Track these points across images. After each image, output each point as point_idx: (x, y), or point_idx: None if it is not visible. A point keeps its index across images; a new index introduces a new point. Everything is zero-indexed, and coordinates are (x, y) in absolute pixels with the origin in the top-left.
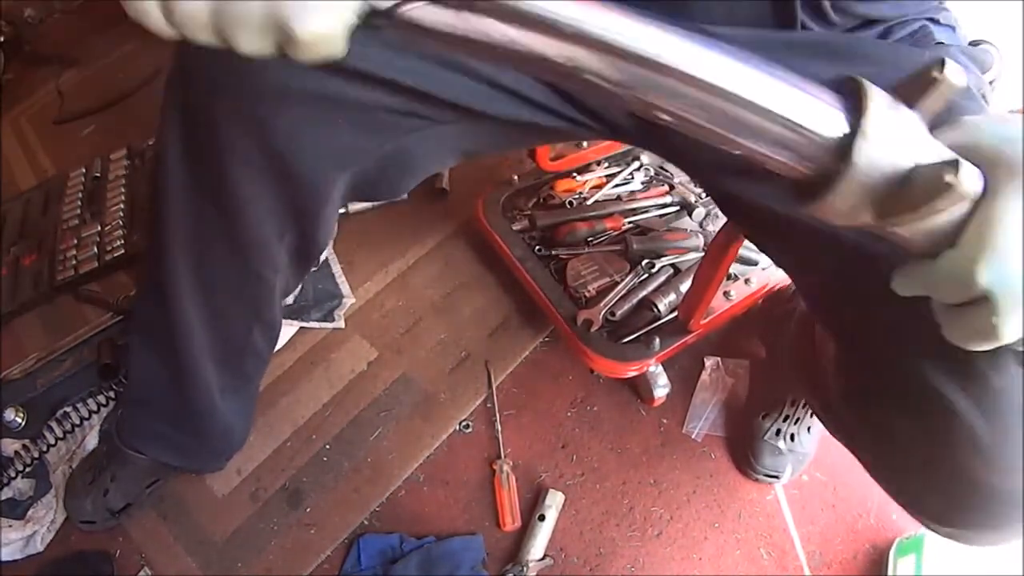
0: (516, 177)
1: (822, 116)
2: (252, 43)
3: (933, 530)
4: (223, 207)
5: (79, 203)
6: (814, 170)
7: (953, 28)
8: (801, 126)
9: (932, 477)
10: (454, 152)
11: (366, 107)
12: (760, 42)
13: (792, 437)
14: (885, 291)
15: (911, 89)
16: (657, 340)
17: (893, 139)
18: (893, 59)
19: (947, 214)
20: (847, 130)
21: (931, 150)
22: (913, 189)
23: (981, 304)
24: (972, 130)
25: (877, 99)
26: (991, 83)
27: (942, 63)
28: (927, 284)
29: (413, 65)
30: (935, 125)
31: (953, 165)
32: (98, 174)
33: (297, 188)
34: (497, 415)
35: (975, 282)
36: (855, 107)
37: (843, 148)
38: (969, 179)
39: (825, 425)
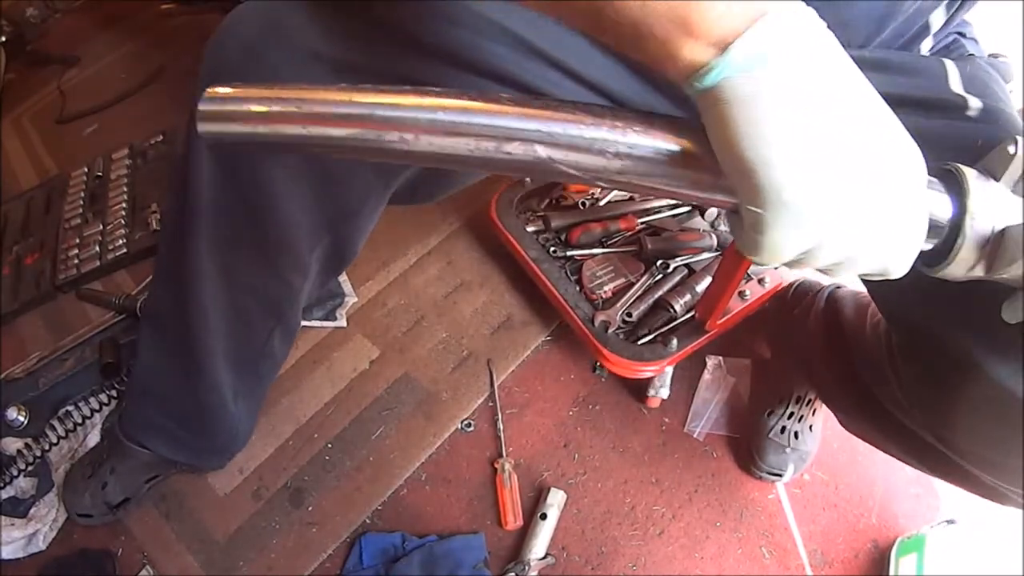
0: (528, 178)
1: (942, 207)
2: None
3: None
4: (254, 206)
5: (81, 202)
6: (936, 245)
7: (976, 41)
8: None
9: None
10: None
11: None
12: None
13: (796, 435)
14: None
15: (994, 164)
16: (675, 340)
17: (990, 211)
18: (933, 72)
19: None
20: (957, 211)
21: (1016, 212)
22: (1008, 247)
23: None
24: None
25: (973, 181)
26: (1011, 93)
27: (1015, 141)
28: None
29: (461, 81)
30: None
31: None
32: (100, 173)
33: (337, 194)
34: (499, 414)
35: None
36: (959, 191)
37: (956, 226)
38: None
39: (844, 415)
